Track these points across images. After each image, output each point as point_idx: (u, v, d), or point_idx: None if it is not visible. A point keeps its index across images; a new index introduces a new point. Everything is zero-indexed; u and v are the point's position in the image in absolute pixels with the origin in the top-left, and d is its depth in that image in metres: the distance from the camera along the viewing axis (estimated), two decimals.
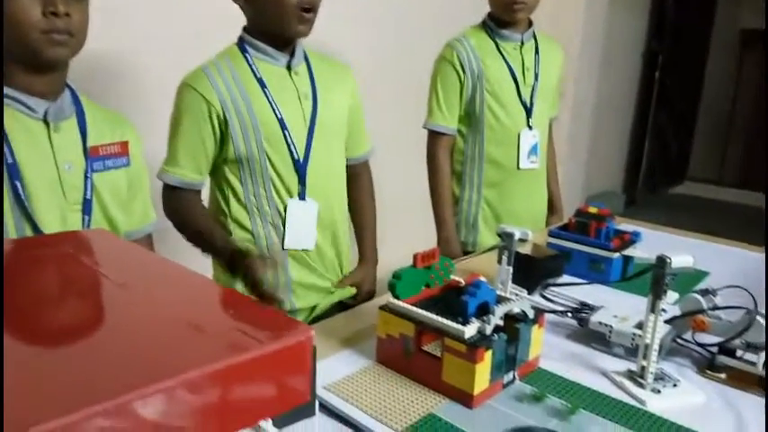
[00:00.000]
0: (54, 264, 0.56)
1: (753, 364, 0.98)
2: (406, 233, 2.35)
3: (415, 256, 1.02)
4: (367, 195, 1.63)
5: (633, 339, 1.04)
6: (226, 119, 1.32)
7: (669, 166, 6.13)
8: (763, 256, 1.66)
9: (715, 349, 1.03)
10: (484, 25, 1.85)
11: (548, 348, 1.05)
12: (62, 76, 1.11)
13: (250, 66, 1.34)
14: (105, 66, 1.85)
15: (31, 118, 1.05)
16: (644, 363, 0.96)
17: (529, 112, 1.82)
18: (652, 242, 1.53)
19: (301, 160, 1.37)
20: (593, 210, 1.48)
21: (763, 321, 0.98)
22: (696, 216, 5.26)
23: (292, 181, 1.37)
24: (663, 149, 5.84)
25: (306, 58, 1.42)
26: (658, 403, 0.92)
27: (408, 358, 0.96)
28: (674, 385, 0.96)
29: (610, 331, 1.07)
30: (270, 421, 0.82)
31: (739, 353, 1.01)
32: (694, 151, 6.73)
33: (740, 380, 0.99)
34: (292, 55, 1.37)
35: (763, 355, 0.97)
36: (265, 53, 1.35)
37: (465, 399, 0.89)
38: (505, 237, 1.14)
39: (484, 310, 0.92)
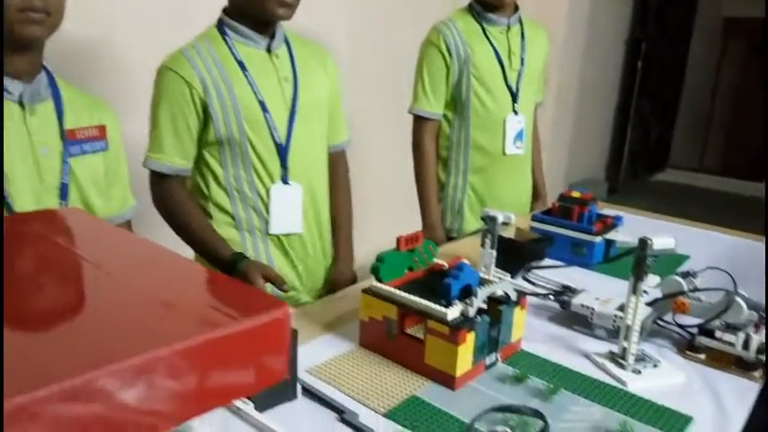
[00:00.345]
0: (27, 242, 0.55)
1: (731, 344, 0.99)
2: (390, 219, 2.33)
3: (398, 240, 1.02)
4: (342, 188, 1.56)
5: (615, 321, 1.04)
6: (207, 102, 1.29)
7: (651, 153, 6.18)
8: (744, 240, 1.68)
9: (695, 330, 1.04)
10: (470, 8, 1.83)
11: (530, 331, 1.05)
12: (38, 56, 1.08)
13: (230, 48, 1.32)
14: (83, 48, 1.82)
15: (6, 99, 1.03)
16: (625, 344, 0.97)
17: (515, 97, 1.82)
18: (634, 226, 1.54)
19: (283, 144, 1.35)
20: (576, 194, 1.48)
21: (742, 303, 0.99)
22: (677, 203, 5.32)
23: (274, 165, 1.36)
24: (645, 137, 5.88)
25: (287, 42, 1.40)
26: (639, 384, 0.93)
27: (391, 341, 0.96)
28: (655, 366, 0.97)
29: (591, 313, 1.08)
30: (251, 404, 0.82)
31: (719, 333, 1.02)
32: (676, 139, 6.79)
33: (719, 360, 1.00)
34: (272, 38, 1.35)
35: (741, 335, 0.98)
36: (245, 36, 1.33)
37: (447, 380, 0.89)
38: (489, 220, 1.14)
39: (467, 293, 0.92)
